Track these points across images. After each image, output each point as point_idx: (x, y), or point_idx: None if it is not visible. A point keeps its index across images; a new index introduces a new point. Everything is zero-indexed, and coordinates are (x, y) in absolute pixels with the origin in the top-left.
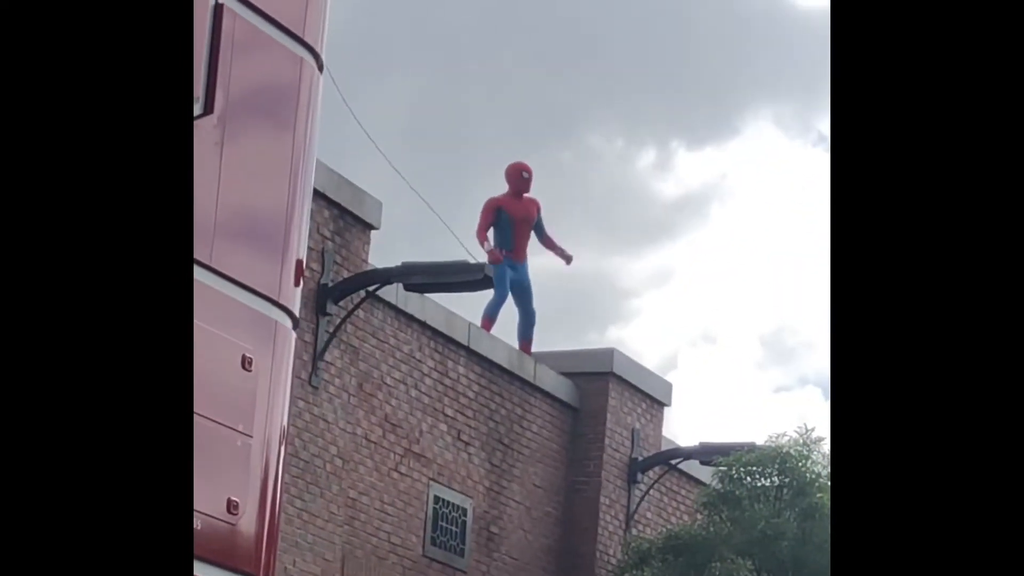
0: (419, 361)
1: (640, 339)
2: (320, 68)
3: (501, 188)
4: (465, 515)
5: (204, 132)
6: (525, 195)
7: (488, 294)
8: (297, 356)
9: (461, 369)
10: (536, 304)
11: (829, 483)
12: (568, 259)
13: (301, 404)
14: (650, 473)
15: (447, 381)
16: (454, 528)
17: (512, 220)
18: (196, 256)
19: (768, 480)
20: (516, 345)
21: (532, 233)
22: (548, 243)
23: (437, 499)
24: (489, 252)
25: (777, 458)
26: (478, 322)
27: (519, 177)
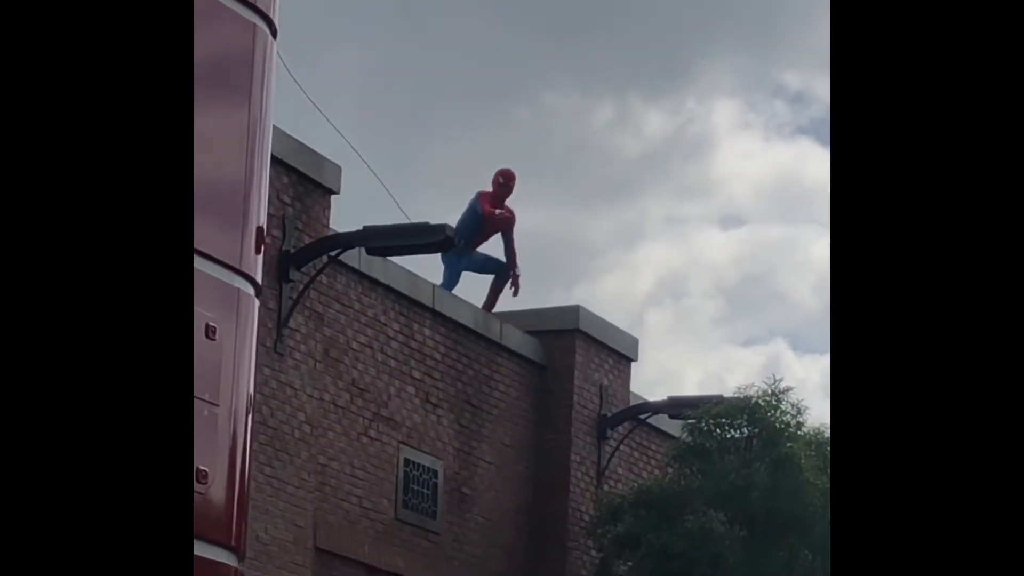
0: (384, 324)
1: (607, 296)
2: (274, 34)
3: (457, 146)
4: (436, 477)
5: None
6: (506, 203)
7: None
8: (261, 323)
9: (427, 331)
10: None
11: (798, 432)
12: (516, 289)
13: (267, 371)
14: (619, 429)
15: (413, 344)
16: (425, 491)
17: (484, 219)
18: None
19: (737, 432)
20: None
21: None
22: (511, 251)
23: (407, 462)
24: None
25: (746, 409)
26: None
27: (499, 183)
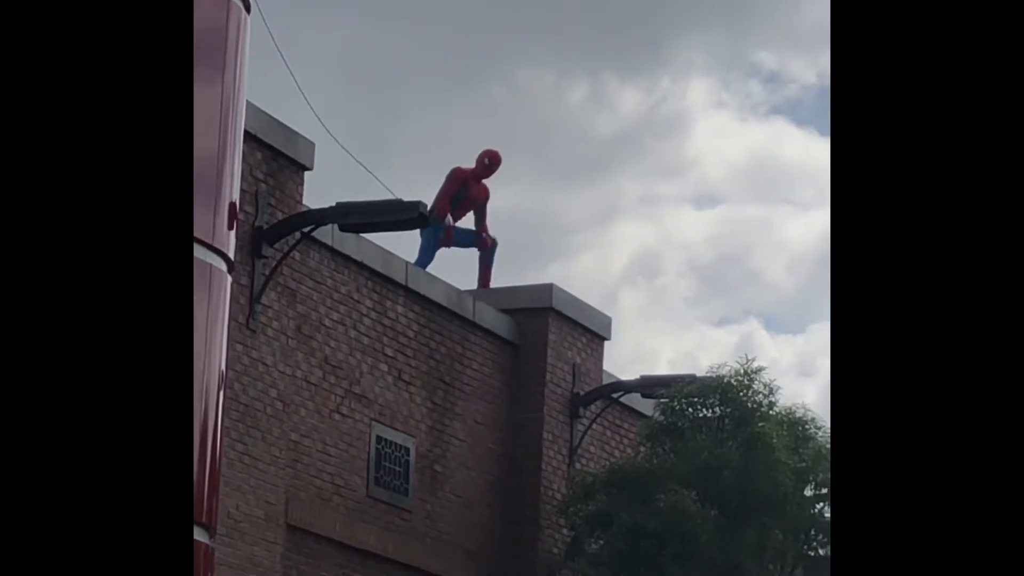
0: (357, 302)
1: (581, 274)
2: (247, 9)
3: (433, 124)
4: (408, 454)
5: None
6: (484, 180)
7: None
8: (233, 299)
9: (400, 309)
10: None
11: (770, 412)
12: (487, 245)
13: (239, 348)
14: (592, 407)
15: (386, 321)
16: (397, 468)
17: (466, 198)
18: None
19: (710, 411)
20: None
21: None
22: (482, 226)
23: (379, 439)
24: (447, 228)
25: (718, 389)
26: (415, 261)
27: (484, 164)
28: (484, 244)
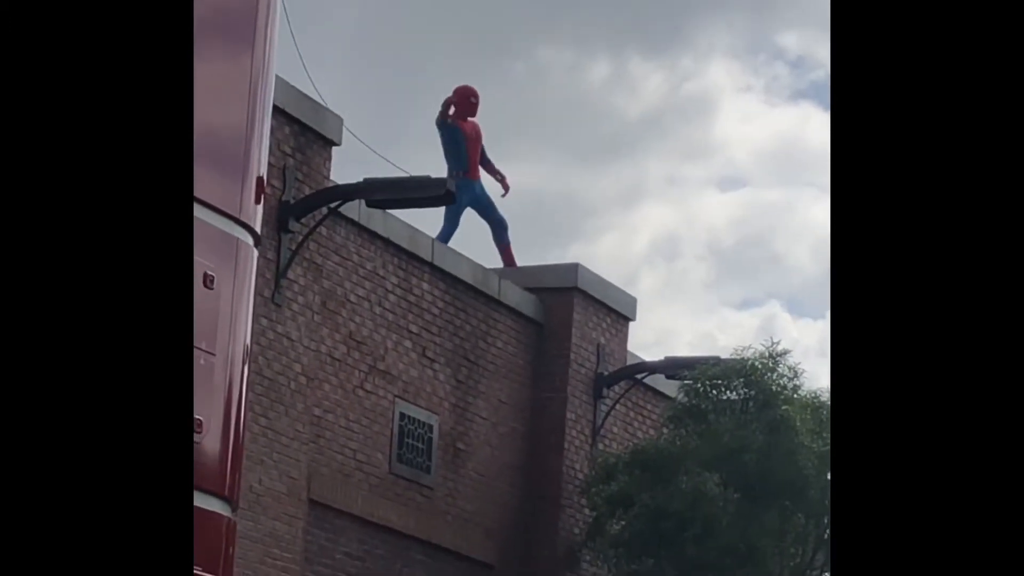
0: (383, 278)
1: (603, 256)
2: None
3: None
4: (431, 432)
5: None
6: (470, 119)
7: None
8: (259, 274)
9: (425, 286)
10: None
11: (794, 396)
12: (506, 186)
13: (264, 322)
14: (616, 388)
15: (411, 298)
16: (420, 445)
17: (466, 138)
18: None
19: (734, 393)
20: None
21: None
22: (491, 167)
23: (403, 416)
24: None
25: (742, 371)
26: (438, 234)
27: (468, 101)
28: (503, 184)
